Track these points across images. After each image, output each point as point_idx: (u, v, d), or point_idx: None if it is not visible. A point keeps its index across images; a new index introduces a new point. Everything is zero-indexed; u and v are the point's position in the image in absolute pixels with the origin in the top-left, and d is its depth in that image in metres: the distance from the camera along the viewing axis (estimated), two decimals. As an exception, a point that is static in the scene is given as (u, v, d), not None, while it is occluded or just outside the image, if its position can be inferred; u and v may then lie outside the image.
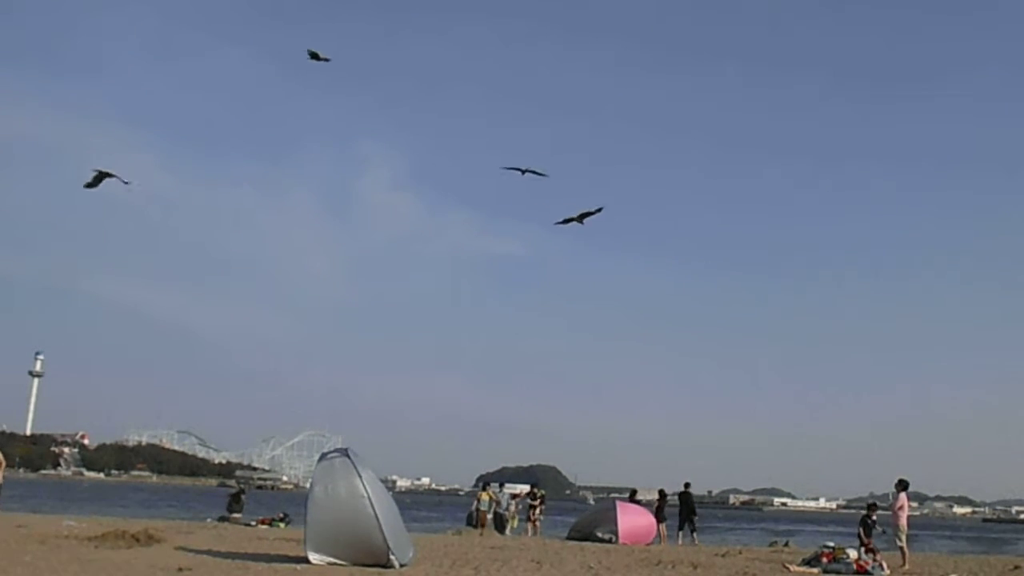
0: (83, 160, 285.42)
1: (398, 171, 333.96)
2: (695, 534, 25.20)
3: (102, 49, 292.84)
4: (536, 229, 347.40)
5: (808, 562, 16.87)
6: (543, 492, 28.94)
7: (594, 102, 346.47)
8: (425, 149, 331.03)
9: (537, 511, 26.93)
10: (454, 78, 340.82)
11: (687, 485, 26.11)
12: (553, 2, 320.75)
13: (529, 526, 26.64)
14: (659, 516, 25.01)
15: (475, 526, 25.50)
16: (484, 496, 26.34)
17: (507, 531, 25.48)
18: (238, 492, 28.65)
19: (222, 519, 26.40)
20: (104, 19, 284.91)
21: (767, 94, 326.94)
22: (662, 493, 26.99)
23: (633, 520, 23.45)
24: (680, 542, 24.68)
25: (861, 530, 18.02)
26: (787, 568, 16.24)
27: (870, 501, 18.48)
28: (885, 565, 16.68)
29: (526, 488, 30.05)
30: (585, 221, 22.28)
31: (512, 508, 26.42)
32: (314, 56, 19.55)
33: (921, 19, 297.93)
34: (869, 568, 16.32)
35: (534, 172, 21.39)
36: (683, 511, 25.25)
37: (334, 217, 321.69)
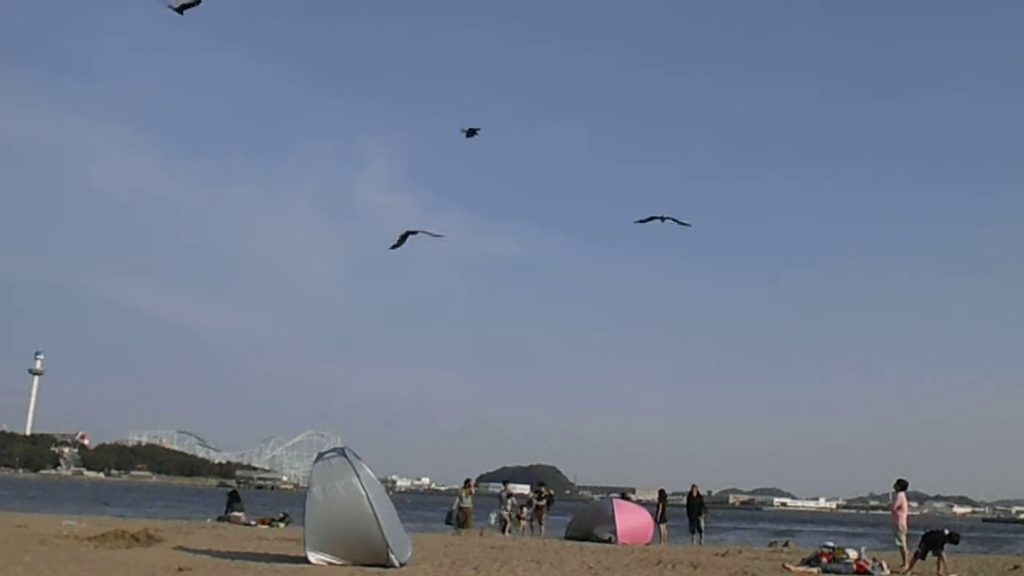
0: (82, 160, 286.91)
1: (395, 171, 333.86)
2: (700, 535, 25.46)
3: (100, 49, 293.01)
4: (533, 228, 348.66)
5: (808, 562, 16.86)
6: (551, 492, 27.86)
7: (592, 101, 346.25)
8: (422, 149, 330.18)
9: (544, 511, 26.34)
10: (452, 78, 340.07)
11: (693, 487, 26.47)
12: (552, 2, 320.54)
13: (534, 524, 26.00)
14: (661, 517, 25.07)
15: (456, 525, 24.70)
16: (465, 492, 25.59)
17: (507, 531, 25.26)
18: (234, 490, 28.77)
19: (221, 519, 26.39)
20: (102, 19, 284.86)
21: (766, 92, 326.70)
22: (662, 493, 27.01)
23: (631, 519, 23.45)
24: (700, 543, 24.82)
25: (923, 547, 16.67)
26: (787, 568, 16.24)
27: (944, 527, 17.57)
28: (885, 565, 16.69)
29: (525, 488, 29.74)
30: (665, 220, 22.71)
31: (512, 509, 25.98)
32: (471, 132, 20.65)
33: (921, 17, 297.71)
34: (869, 568, 16.34)
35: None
36: (691, 512, 25.55)
37: (332, 217, 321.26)
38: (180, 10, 18.85)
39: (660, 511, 25.48)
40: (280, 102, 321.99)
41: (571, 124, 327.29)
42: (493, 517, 25.83)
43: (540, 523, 26.17)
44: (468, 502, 25.24)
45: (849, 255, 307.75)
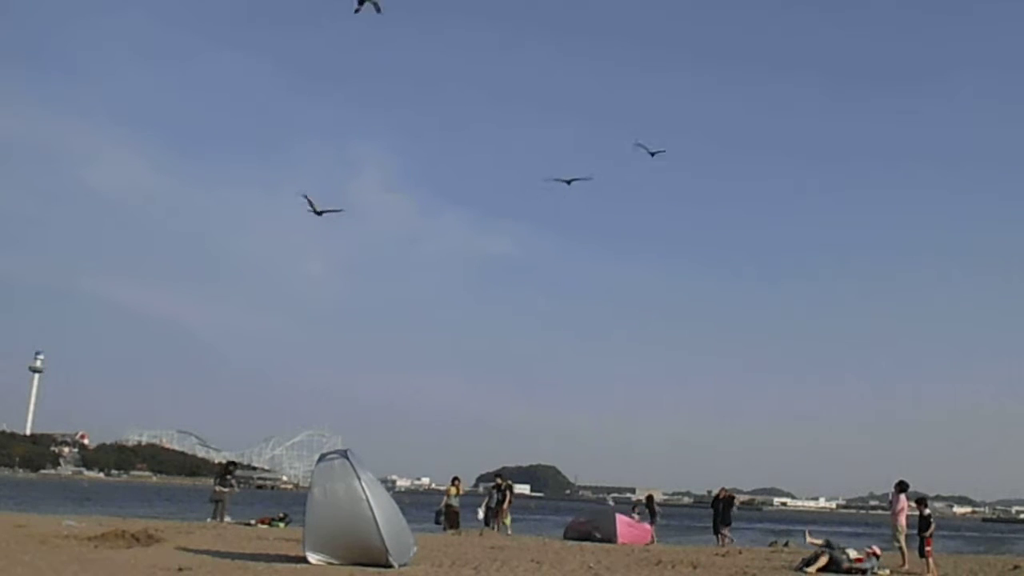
0: (81, 161, 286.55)
1: (391, 172, 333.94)
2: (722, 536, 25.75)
3: (97, 51, 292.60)
4: (531, 229, 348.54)
5: (808, 562, 16.91)
6: (508, 483, 26.53)
7: (589, 102, 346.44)
8: (419, 150, 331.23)
9: (505, 505, 25.21)
10: (448, 79, 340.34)
11: (722, 490, 27.54)
12: (549, 3, 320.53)
13: (496, 523, 24.95)
14: (724, 520, 25.62)
15: (445, 526, 24.14)
16: (453, 490, 25.06)
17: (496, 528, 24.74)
18: (225, 465, 28.69)
19: (215, 494, 25.97)
20: (98, 21, 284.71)
21: (764, 93, 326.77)
22: (650, 498, 27.36)
23: (631, 532, 23.44)
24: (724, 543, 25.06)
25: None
26: (807, 572, 16.28)
27: (918, 496, 18.27)
28: (879, 552, 16.87)
29: (526, 488, 29.32)
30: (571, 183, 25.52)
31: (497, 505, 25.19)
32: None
33: (919, 18, 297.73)
34: (865, 562, 16.53)
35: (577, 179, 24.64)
36: (724, 514, 26.17)
37: (330, 217, 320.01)
38: (319, 213, 22.09)
39: (725, 512, 25.97)
40: (277, 103, 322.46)
41: (568, 125, 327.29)
42: (481, 512, 25.56)
43: (503, 520, 25.06)
44: (456, 501, 24.84)
45: (850, 256, 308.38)
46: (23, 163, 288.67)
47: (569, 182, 24.60)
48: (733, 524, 26.43)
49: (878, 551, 17.07)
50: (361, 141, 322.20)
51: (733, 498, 27.52)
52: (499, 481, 26.31)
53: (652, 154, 25.95)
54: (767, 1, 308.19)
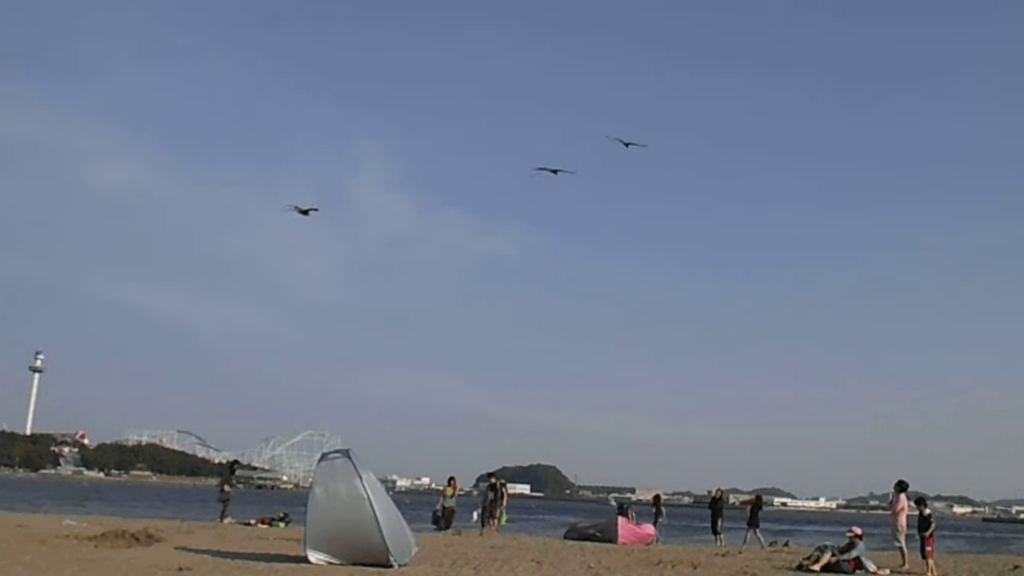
0: (81, 161, 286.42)
1: (392, 172, 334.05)
2: (755, 534, 25.64)
3: (97, 50, 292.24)
4: (531, 229, 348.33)
5: (812, 562, 16.98)
6: (503, 482, 26.26)
7: (590, 102, 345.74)
8: (419, 150, 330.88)
9: (498, 506, 25.07)
10: (449, 79, 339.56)
11: (718, 491, 27.92)
12: (549, 4, 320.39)
13: (493, 522, 24.85)
14: (752, 522, 25.50)
15: (443, 525, 24.07)
16: (449, 490, 25.04)
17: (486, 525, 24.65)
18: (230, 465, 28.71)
19: (222, 492, 25.92)
20: (98, 21, 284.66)
21: (764, 93, 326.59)
22: (657, 498, 27.28)
23: (632, 536, 23.43)
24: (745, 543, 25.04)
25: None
26: (810, 568, 16.34)
27: (917, 496, 18.46)
28: (859, 531, 17.25)
29: (525, 488, 29.28)
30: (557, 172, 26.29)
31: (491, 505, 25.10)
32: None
33: (919, 18, 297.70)
34: (853, 549, 16.64)
35: (563, 171, 25.69)
36: (753, 515, 26.08)
37: (329, 218, 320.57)
38: (304, 212, 23.18)
39: (753, 515, 25.86)
40: (277, 103, 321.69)
41: (569, 124, 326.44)
42: (476, 514, 25.40)
43: (494, 519, 24.86)
44: (452, 501, 24.86)
45: (849, 255, 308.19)
46: (23, 163, 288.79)
47: (556, 172, 25.32)
48: (727, 525, 26.32)
49: (859, 532, 17.27)
50: (361, 141, 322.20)
51: (760, 500, 27.44)
52: (494, 481, 26.33)
53: (626, 145, 26.57)
54: (767, 1, 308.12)
